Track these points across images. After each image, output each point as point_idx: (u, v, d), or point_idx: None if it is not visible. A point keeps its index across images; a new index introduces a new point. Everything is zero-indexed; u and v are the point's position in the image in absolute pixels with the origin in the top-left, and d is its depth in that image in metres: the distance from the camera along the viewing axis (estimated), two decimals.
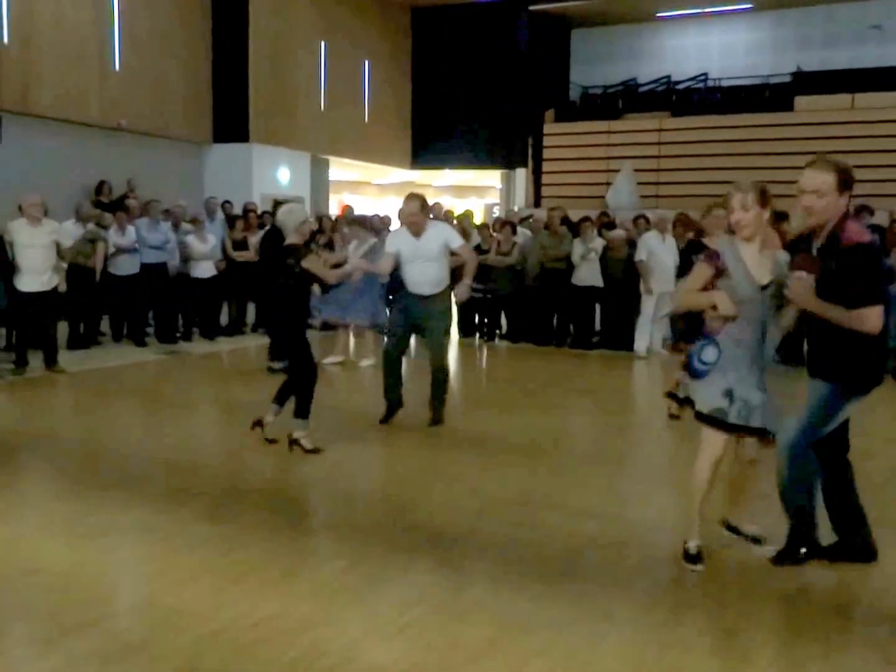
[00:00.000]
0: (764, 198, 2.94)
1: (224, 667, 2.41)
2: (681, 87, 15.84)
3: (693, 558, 3.12)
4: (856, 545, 3.14)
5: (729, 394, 2.99)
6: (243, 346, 8.75)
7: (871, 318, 2.81)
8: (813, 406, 3.00)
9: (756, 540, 3.31)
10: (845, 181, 2.87)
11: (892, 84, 13.12)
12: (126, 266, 8.15)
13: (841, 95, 13.40)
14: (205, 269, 8.53)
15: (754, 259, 2.98)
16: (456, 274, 5.39)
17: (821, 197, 2.85)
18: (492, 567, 3.15)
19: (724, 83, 15.35)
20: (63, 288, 7.06)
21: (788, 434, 3.03)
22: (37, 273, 6.54)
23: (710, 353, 3.02)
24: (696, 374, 3.08)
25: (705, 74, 15.79)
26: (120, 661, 2.42)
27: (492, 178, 17.24)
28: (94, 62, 10.86)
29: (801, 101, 13.74)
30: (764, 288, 2.97)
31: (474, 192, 18.51)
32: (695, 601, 2.88)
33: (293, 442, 4.57)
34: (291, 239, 4.51)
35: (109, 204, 9.93)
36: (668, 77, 16.12)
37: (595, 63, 16.83)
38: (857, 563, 3.13)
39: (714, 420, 3.03)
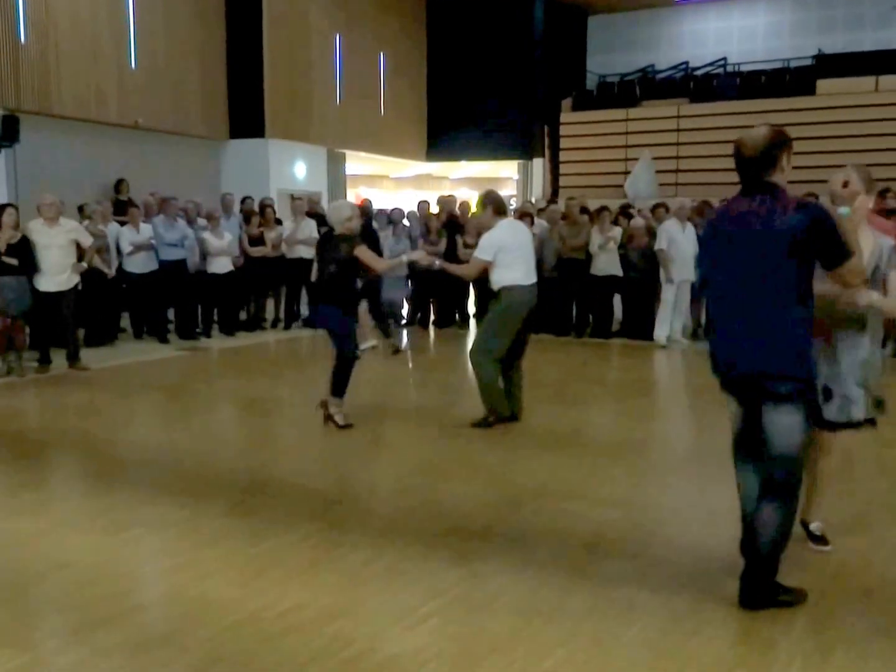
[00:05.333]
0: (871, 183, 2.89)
1: (249, 657, 2.43)
2: (699, 72, 15.62)
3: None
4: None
5: (826, 391, 2.94)
6: (263, 341, 8.82)
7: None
8: None
9: (818, 539, 3.19)
10: None
11: None
12: (143, 264, 8.22)
13: (865, 78, 13.12)
14: (222, 265, 8.59)
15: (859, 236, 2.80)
16: None
17: None
18: (514, 557, 3.15)
19: (744, 68, 15.10)
20: (80, 286, 7.13)
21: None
22: (55, 273, 6.62)
23: None
24: None
25: (724, 59, 15.55)
26: (146, 653, 2.45)
27: (509, 168, 17.16)
28: (111, 61, 10.94)
29: (823, 85, 13.48)
30: None
31: (491, 183, 18.42)
32: (718, 590, 2.85)
33: (328, 417, 4.95)
34: (339, 231, 4.95)
35: (127, 202, 10.02)
36: (686, 63, 15.90)
37: (612, 50, 16.65)
38: None
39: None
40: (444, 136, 16.38)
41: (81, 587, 2.87)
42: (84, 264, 6.93)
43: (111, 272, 7.89)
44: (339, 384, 4.91)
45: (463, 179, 18.44)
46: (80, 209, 8.45)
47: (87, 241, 6.89)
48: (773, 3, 15.47)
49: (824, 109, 13.15)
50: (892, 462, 4.38)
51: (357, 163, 15.73)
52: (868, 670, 2.37)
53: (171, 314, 8.72)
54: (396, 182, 18.35)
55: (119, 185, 10.47)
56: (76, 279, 6.85)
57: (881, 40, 14.08)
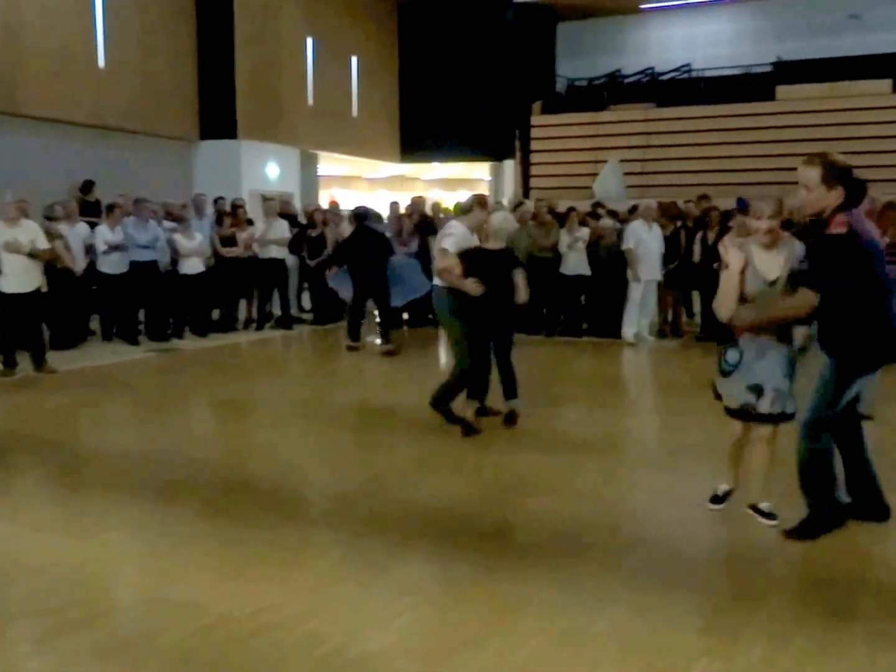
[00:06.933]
0: (781, 209, 3.30)
1: (222, 658, 2.43)
2: (665, 78, 15.92)
3: (717, 499, 3.60)
4: (870, 506, 3.37)
5: (756, 388, 3.30)
6: (235, 342, 8.76)
7: (805, 298, 3.10)
8: (822, 383, 3.16)
9: (769, 515, 3.43)
10: (831, 175, 3.01)
11: (870, 72, 13.26)
12: (118, 264, 8.10)
13: (820, 84, 13.53)
14: (193, 266, 8.52)
15: (762, 256, 3.27)
16: None
17: (809, 191, 3.07)
18: (487, 552, 3.20)
19: (707, 74, 15.44)
20: (45, 288, 6.99)
21: (805, 413, 3.22)
22: (18, 275, 6.50)
23: (732, 356, 3.34)
24: (723, 374, 3.42)
25: (688, 65, 15.88)
26: (118, 656, 2.44)
27: (481, 170, 17.27)
28: (80, 61, 10.78)
29: (781, 91, 13.85)
30: (772, 283, 3.24)
31: (464, 184, 18.50)
32: (685, 581, 2.94)
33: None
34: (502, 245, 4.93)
35: (95, 203, 9.88)
36: (652, 68, 16.19)
37: (580, 55, 16.87)
38: (872, 521, 3.39)
39: (741, 413, 3.39)
40: (418, 138, 16.44)
41: (50, 591, 2.85)
42: (37, 266, 6.74)
43: (78, 270, 7.75)
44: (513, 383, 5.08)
45: (436, 181, 18.50)
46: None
47: (42, 245, 6.74)
48: (735, 11, 15.84)
49: (783, 114, 13.50)
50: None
51: (330, 164, 15.69)
52: (827, 656, 2.46)
53: (140, 316, 8.61)
54: (370, 183, 18.33)
55: (86, 185, 10.31)
56: (40, 280, 6.73)
57: (837, 48, 14.51)
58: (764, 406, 3.31)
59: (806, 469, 3.24)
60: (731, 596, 2.83)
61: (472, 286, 4.71)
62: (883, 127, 12.44)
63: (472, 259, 4.81)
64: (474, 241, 4.99)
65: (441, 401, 4.97)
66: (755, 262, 3.25)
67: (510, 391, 5.10)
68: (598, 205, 10.30)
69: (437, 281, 5.02)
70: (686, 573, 3.02)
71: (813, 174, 3.04)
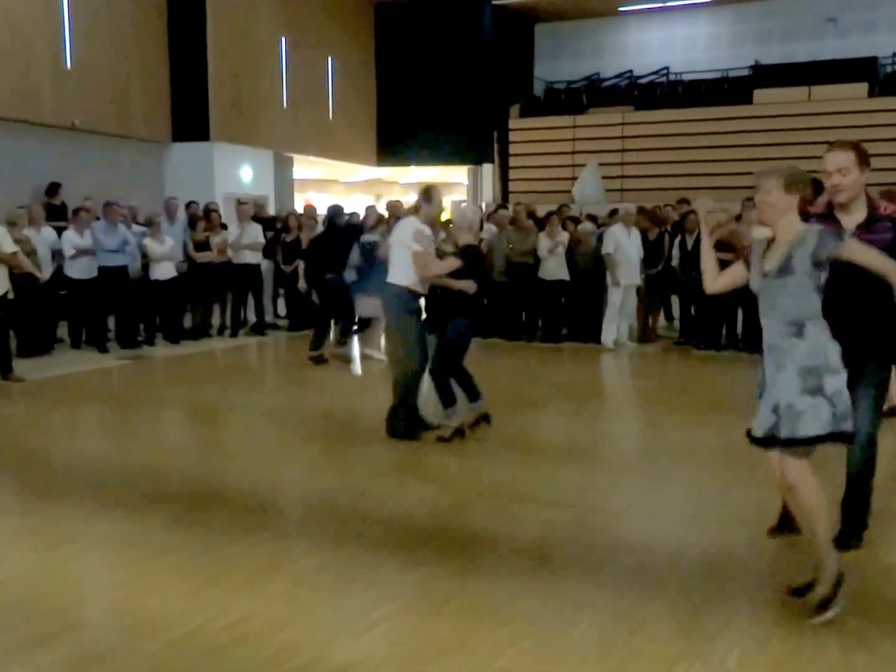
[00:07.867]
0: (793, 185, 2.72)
1: (196, 670, 2.38)
2: (643, 81, 16.04)
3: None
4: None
5: (776, 409, 2.67)
6: (209, 349, 8.63)
7: None
8: (878, 390, 3.08)
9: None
10: (863, 157, 2.97)
11: (847, 76, 13.47)
12: (86, 269, 7.93)
13: (798, 88, 13.72)
14: (164, 271, 8.38)
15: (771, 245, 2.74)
16: None
17: (846, 173, 2.95)
18: (464, 560, 3.17)
19: (686, 77, 15.60)
20: (11, 295, 6.82)
21: (868, 426, 3.05)
22: None
23: (760, 375, 2.84)
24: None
25: (667, 68, 16.02)
26: (90, 670, 2.37)
27: (459, 174, 17.27)
28: (45, 60, 10.59)
29: (759, 94, 14.03)
30: (765, 275, 2.67)
31: (442, 188, 18.48)
32: (661, 586, 2.93)
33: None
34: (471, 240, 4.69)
35: (61, 207, 9.69)
36: (631, 71, 16.31)
37: (559, 58, 16.96)
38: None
39: (767, 441, 2.71)
40: (395, 141, 16.40)
41: (17, 605, 2.77)
42: (2, 255, 6.57)
43: (42, 276, 7.56)
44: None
45: (413, 184, 18.46)
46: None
47: (9, 248, 6.58)
48: (713, 14, 16.01)
49: (761, 118, 13.67)
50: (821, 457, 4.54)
51: (306, 167, 15.59)
52: (802, 658, 2.46)
53: (110, 323, 8.44)
54: (346, 186, 18.25)
55: (52, 188, 10.10)
56: (6, 286, 6.57)
57: (814, 52, 14.73)
58: (781, 429, 2.65)
59: (864, 480, 3.15)
60: (708, 601, 2.82)
61: (468, 285, 4.57)
62: (860, 130, 12.60)
63: (471, 257, 4.64)
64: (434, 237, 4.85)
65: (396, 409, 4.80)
66: (759, 253, 2.75)
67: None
68: (564, 205, 10.27)
69: (393, 280, 4.76)
70: (663, 578, 3.01)
71: (851, 155, 2.93)
